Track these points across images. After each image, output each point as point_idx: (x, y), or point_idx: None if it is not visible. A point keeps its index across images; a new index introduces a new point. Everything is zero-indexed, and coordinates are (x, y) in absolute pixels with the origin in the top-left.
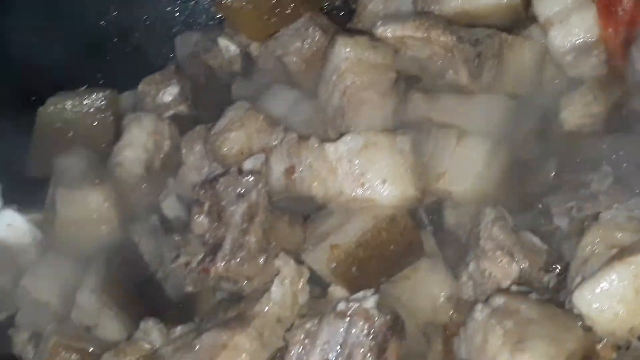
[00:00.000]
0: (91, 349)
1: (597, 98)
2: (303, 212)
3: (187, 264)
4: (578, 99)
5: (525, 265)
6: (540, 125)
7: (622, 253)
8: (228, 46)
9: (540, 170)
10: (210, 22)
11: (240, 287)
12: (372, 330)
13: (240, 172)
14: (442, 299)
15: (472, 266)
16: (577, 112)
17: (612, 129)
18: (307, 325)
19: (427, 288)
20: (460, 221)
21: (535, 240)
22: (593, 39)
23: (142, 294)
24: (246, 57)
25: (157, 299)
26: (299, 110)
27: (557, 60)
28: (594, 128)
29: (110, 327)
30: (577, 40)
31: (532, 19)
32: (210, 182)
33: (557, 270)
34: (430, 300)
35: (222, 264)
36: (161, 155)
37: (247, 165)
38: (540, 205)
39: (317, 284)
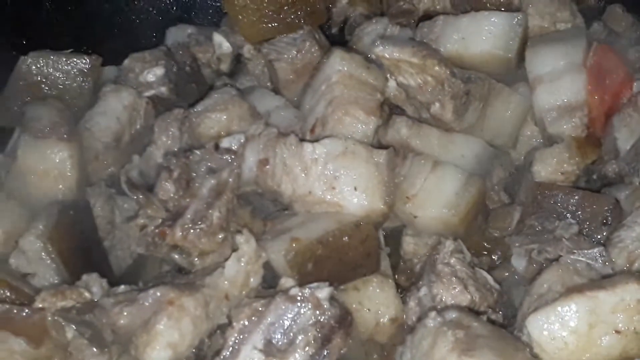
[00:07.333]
0: (26, 289)
1: (572, 158)
2: (266, 211)
3: (143, 226)
4: (553, 155)
5: (476, 298)
6: (511, 174)
7: (583, 286)
8: (222, 43)
9: (506, 216)
10: (207, 19)
11: (191, 261)
12: (321, 320)
13: (217, 148)
14: (385, 319)
15: (423, 291)
16: (551, 167)
17: (580, 187)
18: (255, 305)
19: (373, 304)
20: (417, 250)
21: (489, 278)
22: (578, 102)
23: (86, 255)
24: (236, 59)
25: (100, 265)
26: (280, 114)
27: (539, 116)
28: (564, 184)
29: (49, 278)
30: (562, 100)
31: (522, 77)
32: (184, 151)
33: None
34: (374, 317)
35: (181, 232)
36: (132, 131)
37: (225, 143)
38: (499, 252)
39: (269, 275)
